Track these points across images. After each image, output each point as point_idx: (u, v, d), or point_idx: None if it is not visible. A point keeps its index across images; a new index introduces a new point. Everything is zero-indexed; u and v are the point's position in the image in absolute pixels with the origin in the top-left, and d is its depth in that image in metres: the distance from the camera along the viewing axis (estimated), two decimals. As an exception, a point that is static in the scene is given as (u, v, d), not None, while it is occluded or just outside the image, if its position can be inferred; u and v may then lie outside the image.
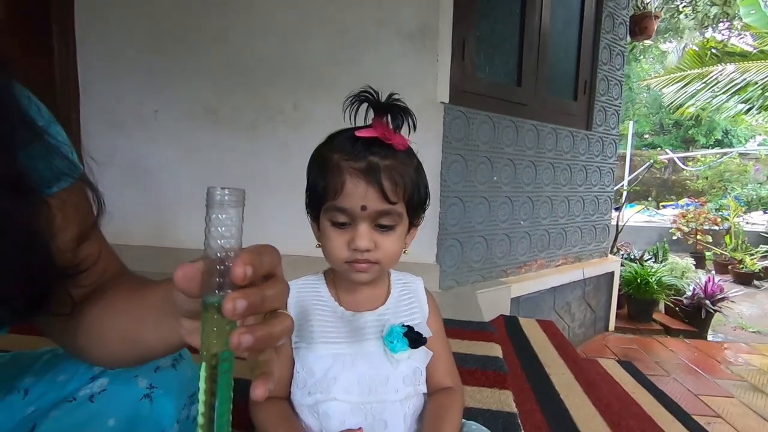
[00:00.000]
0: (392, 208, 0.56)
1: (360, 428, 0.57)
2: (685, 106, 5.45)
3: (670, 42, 10.22)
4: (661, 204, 8.94)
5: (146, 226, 1.91)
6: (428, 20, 1.79)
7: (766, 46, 4.77)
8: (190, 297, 0.29)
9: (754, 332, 3.33)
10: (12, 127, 0.39)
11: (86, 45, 1.89)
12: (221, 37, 1.84)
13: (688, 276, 3.64)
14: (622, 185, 5.95)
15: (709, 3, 7.66)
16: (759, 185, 7.61)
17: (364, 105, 0.57)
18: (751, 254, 4.96)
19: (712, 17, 7.94)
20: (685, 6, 8.06)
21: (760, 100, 4.78)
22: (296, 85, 1.83)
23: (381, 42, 1.80)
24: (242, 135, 1.86)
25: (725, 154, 8.99)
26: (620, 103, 2.91)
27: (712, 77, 4.93)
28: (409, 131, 0.58)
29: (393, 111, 0.56)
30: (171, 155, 1.91)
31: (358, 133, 0.56)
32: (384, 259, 0.59)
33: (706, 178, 8.30)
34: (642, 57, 12.21)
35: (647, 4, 3.79)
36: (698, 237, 5.50)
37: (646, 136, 14.87)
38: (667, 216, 7.08)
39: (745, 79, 4.67)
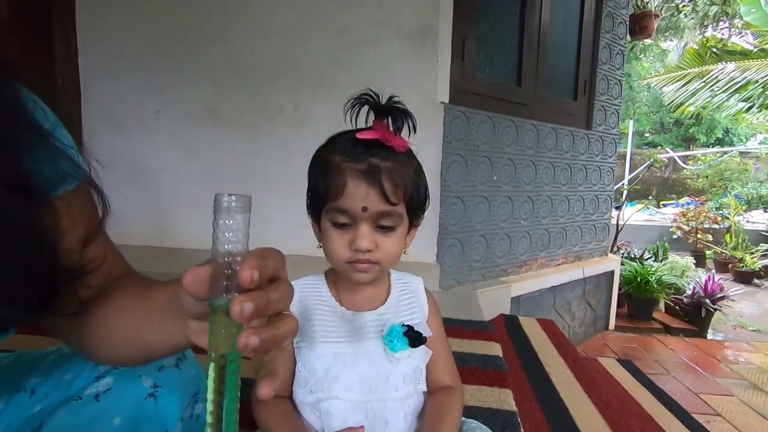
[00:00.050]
0: (393, 209, 0.57)
1: (361, 426, 0.58)
2: (686, 104, 5.45)
3: (671, 40, 10.18)
4: (661, 203, 8.94)
5: (146, 226, 1.91)
6: (428, 20, 1.79)
7: (766, 44, 4.77)
8: (198, 300, 0.30)
9: (754, 331, 3.34)
10: (18, 130, 0.39)
11: (87, 45, 1.89)
12: (221, 37, 1.84)
13: (688, 275, 3.64)
14: (623, 184, 5.95)
15: (708, 2, 7.65)
16: (759, 184, 7.59)
17: (365, 107, 0.57)
18: (752, 253, 4.96)
19: (712, 16, 7.93)
20: (684, 5, 8.05)
21: (761, 99, 4.78)
22: (296, 85, 1.84)
23: (381, 42, 1.80)
24: (242, 135, 1.87)
25: (726, 152, 8.97)
26: (620, 102, 2.91)
27: (712, 76, 4.93)
28: (410, 133, 0.58)
29: (393, 113, 0.57)
30: (171, 155, 1.91)
31: (358, 135, 0.56)
32: (384, 260, 0.59)
33: (707, 176, 8.29)
34: (642, 55, 12.20)
35: (647, 3, 3.78)
36: (698, 236, 5.50)
37: (647, 134, 14.85)
38: (667, 215, 7.08)
39: (745, 77, 4.68)
